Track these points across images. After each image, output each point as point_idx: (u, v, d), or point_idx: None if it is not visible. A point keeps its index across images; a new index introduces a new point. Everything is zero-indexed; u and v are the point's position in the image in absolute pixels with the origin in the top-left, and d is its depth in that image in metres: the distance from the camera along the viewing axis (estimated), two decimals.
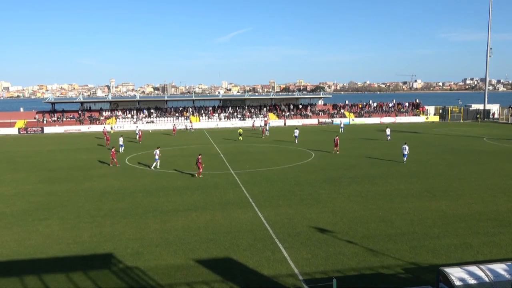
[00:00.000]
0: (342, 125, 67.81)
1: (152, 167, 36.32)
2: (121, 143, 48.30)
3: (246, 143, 53.60)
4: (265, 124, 67.60)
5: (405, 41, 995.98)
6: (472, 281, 11.58)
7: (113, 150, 39.02)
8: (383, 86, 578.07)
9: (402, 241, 18.49)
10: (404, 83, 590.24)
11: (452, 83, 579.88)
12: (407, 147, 37.58)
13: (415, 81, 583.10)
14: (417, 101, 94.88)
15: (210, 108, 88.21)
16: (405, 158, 37.41)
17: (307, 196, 26.23)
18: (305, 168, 35.66)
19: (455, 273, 11.86)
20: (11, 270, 16.25)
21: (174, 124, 72.96)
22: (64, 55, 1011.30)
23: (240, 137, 58.23)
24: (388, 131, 54.34)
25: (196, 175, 32.73)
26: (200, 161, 32.58)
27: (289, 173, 33.68)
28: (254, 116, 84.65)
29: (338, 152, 43.58)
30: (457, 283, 11.49)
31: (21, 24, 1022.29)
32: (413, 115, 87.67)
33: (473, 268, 12.12)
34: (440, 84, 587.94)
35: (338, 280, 12.00)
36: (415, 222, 20.95)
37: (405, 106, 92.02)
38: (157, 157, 36.51)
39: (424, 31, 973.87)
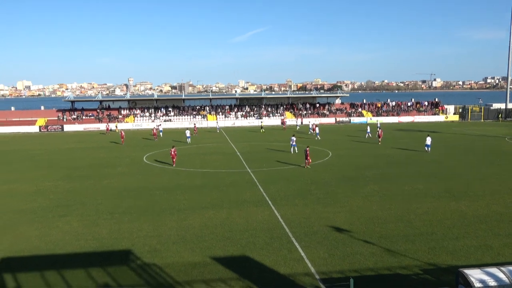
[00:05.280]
0: (378, 125, 67.08)
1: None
2: (188, 135, 55.11)
3: (262, 142, 53.61)
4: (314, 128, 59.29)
5: (424, 40, 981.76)
6: (492, 283, 11.39)
7: (173, 149, 37.64)
8: (402, 85, 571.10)
9: (420, 241, 18.27)
10: (423, 82, 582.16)
11: (473, 82, 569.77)
12: (429, 139, 42.74)
13: (434, 79, 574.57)
14: (436, 100, 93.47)
15: (227, 107, 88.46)
16: (428, 149, 42.32)
17: (324, 195, 26.11)
18: (322, 167, 35.49)
19: (475, 275, 11.68)
20: (32, 265, 16.57)
21: (195, 124, 73.05)
22: (83, 54, 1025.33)
23: (262, 130, 66.79)
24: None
25: (306, 165, 35.13)
26: (308, 153, 35.04)
27: (306, 172, 33.57)
28: (280, 115, 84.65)
29: (380, 143, 49.56)
30: (477, 284, 11.31)
31: (41, 24, 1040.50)
32: (432, 114, 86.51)
33: (494, 270, 11.91)
34: (460, 83, 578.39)
35: (355, 280, 11.93)
36: (434, 223, 20.68)
37: (424, 105, 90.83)
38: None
39: (444, 29, 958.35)
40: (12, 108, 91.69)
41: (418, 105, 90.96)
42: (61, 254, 17.64)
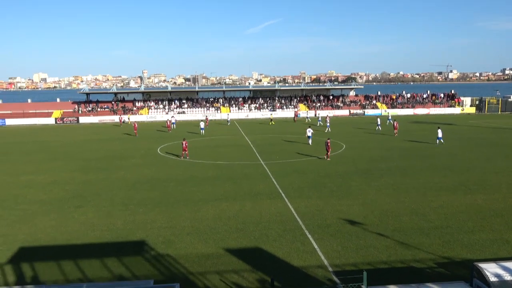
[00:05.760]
0: (389, 117, 66.74)
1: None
2: (202, 126, 55.74)
3: (275, 134, 53.54)
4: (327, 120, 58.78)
5: (441, 30, 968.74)
6: (508, 277, 11.23)
7: (185, 142, 37.60)
8: (417, 76, 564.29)
9: (435, 235, 18.12)
10: (439, 73, 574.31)
11: (490, 74, 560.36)
12: (440, 131, 42.85)
13: (451, 71, 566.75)
14: (453, 92, 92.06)
15: (241, 99, 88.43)
16: (440, 141, 42.34)
17: (338, 188, 26.02)
18: (336, 159, 35.33)
19: (490, 269, 11.53)
20: (48, 255, 16.86)
21: (206, 116, 73.34)
22: (98, 47, 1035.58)
23: (272, 122, 68.09)
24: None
25: (326, 158, 35.30)
26: (329, 144, 35.50)
27: (319, 164, 33.47)
28: (294, 107, 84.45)
29: (396, 135, 50.18)
30: (492, 279, 11.18)
31: (57, 17, 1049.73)
32: (448, 107, 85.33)
33: (510, 264, 11.73)
34: (477, 74, 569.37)
35: (368, 273, 11.88)
36: (449, 216, 20.48)
37: (440, 97, 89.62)
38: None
39: (460, 20, 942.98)
40: (29, 100, 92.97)
41: (433, 97, 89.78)
42: (77, 244, 17.91)
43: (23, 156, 40.45)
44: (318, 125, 62.66)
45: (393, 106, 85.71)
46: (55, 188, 27.46)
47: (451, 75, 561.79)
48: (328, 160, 34.78)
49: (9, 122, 76.36)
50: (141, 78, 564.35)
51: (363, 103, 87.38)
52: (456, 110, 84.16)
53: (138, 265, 15.72)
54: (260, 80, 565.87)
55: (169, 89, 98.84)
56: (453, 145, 42.10)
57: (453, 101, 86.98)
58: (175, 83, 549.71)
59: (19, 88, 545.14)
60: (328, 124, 56.52)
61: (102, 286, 11.90)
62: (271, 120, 69.95)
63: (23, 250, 17.45)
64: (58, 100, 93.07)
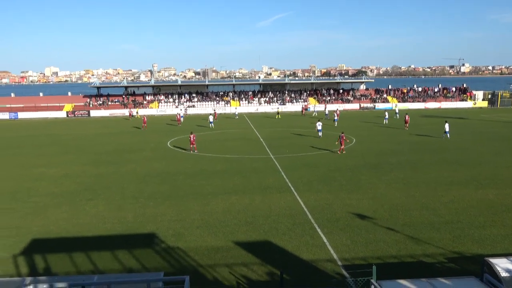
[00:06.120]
0: (397, 111, 66.54)
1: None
2: (211, 120, 56.28)
3: (285, 128, 53.45)
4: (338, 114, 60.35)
5: (453, 23, 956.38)
6: None
7: (192, 135, 37.71)
8: (429, 70, 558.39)
9: (445, 229, 18.01)
10: (451, 67, 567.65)
11: (503, 67, 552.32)
12: (447, 125, 42.52)
13: (463, 65, 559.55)
14: (464, 85, 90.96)
15: (250, 93, 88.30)
16: (447, 135, 42.05)
17: (347, 182, 25.95)
18: (346, 153, 35.20)
19: (501, 264, 11.45)
20: (60, 247, 17.08)
21: (215, 110, 73.42)
22: (109, 41, 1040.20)
23: (278, 115, 68.22)
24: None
25: (338, 151, 35.40)
26: (344, 138, 35.74)
27: (329, 158, 33.38)
28: (303, 101, 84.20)
29: (407, 128, 50.02)
30: (503, 274, 11.10)
31: (68, 11, 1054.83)
32: (459, 100, 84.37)
33: None
34: (490, 68, 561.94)
35: (378, 267, 11.87)
36: (459, 211, 20.34)
37: (452, 91, 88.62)
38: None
39: (473, 12, 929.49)
40: (41, 94, 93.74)
41: (445, 91, 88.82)
42: (88, 237, 18.12)
43: (35, 149, 40.90)
44: (325, 119, 62.45)
45: (404, 100, 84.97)
46: (67, 181, 27.74)
47: (463, 69, 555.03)
48: (343, 154, 34.86)
49: (22, 115, 77.16)
50: (151, 72, 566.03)
51: (374, 97, 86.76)
52: (468, 104, 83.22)
53: (149, 258, 15.87)
54: (270, 74, 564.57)
55: (179, 82, 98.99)
56: (465, 139, 41.71)
57: (465, 95, 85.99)
58: (185, 76, 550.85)
59: (31, 81, 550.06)
60: (335, 118, 56.08)
61: (113, 278, 12.03)
62: (278, 113, 70.10)
63: (36, 241, 17.70)
64: (69, 93, 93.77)
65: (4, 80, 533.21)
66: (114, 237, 18.05)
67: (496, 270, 11.25)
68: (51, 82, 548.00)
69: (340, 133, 36.46)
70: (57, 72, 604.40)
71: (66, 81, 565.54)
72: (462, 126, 52.30)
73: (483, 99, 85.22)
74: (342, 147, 35.43)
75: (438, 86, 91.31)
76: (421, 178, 26.55)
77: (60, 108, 79.87)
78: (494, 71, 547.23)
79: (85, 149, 40.61)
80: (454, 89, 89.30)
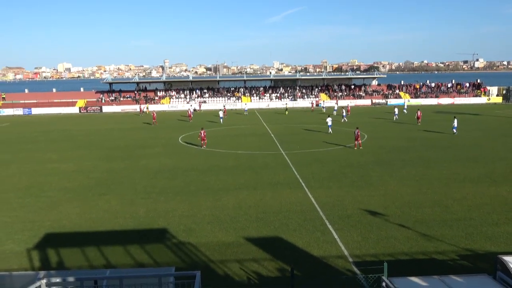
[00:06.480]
0: (405, 106, 66.27)
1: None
2: (221, 116, 57.26)
3: (296, 124, 53.32)
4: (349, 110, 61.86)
5: (467, 18, 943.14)
6: None
7: (203, 131, 37.79)
8: (442, 65, 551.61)
9: (458, 226, 17.84)
10: (465, 62, 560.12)
11: None
12: (456, 121, 42.71)
13: (477, 60, 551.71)
14: (478, 81, 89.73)
15: (261, 89, 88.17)
16: (454, 130, 42.15)
17: (358, 178, 25.82)
18: (357, 149, 35.02)
19: None
20: (73, 241, 17.28)
21: (224, 106, 73.34)
22: (121, 37, 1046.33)
23: (287, 112, 68.50)
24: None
25: (355, 147, 35.26)
26: (358, 134, 35.48)
27: (340, 154, 33.24)
28: (314, 97, 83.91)
29: (419, 124, 49.94)
30: None
31: (81, 7, 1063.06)
32: (473, 96, 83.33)
33: None
34: (505, 63, 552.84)
35: (389, 264, 11.79)
36: (472, 208, 20.12)
37: (465, 86, 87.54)
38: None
39: (487, 6, 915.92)
40: (54, 90, 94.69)
41: (458, 87, 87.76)
42: (100, 231, 18.30)
43: (48, 145, 41.36)
44: (334, 114, 62.17)
45: (416, 96, 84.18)
46: (79, 176, 28.01)
47: (477, 64, 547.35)
48: (360, 149, 34.83)
49: (35, 111, 78.06)
50: (162, 67, 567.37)
51: (386, 93, 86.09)
52: (482, 100, 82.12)
53: (160, 253, 15.97)
54: (281, 70, 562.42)
55: (191, 78, 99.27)
56: (478, 135, 41.22)
57: (478, 91, 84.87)
58: (196, 72, 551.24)
59: (44, 77, 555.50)
60: (344, 114, 55.61)
61: (124, 272, 12.13)
62: (286, 109, 70.52)
63: (49, 236, 17.93)
64: (82, 89, 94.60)
65: (18, 76, 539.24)
66: (126, 232, 18.20)
67: (509, 267, 11.11)
68: (64, 78, 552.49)
69: (355, 128, 36.22)
70: (69, 68, 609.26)
71: (78, 77, 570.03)
72: (476, 122, 51.68)
73: (498, 95, 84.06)
74: (357, 142, 35.42)
75: (452, 82, 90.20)
76: (433, 175, 26.32)
77: (73, 104, 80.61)
78: (509, 67, 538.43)
79: (97, 144, 40.96)
80: (467, 84, 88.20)
